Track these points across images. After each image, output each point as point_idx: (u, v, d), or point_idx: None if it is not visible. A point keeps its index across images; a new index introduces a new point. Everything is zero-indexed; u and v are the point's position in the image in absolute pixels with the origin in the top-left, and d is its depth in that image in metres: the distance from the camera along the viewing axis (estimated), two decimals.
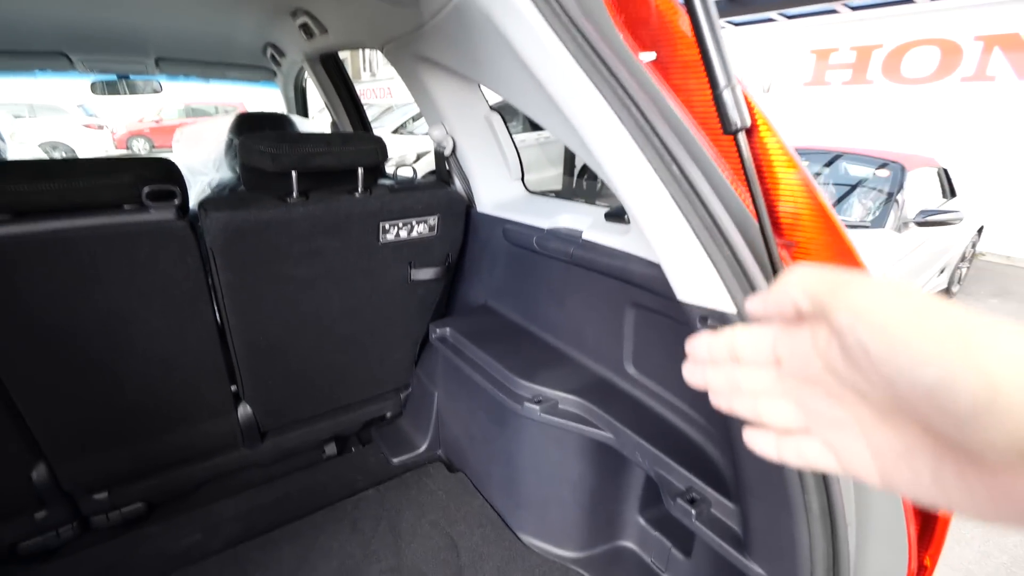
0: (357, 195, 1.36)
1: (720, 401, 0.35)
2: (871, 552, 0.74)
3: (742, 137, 0.63)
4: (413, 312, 1.66)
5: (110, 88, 2.90)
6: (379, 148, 1.38)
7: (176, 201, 1.17)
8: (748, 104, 0.64)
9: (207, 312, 1.30)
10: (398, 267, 1.52)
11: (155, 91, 3.21)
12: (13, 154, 2.43)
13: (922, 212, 3.70)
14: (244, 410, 1.54)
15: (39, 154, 10.47)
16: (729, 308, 0.67)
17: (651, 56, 0.73)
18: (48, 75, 2.86)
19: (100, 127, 11.96)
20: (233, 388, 1.50)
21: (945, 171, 4.65)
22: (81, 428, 1.30)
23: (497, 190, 1.61)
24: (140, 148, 12.83)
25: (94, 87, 2.83)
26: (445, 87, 1.50)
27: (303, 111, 3.19)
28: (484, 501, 1.51)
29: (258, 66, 2.88)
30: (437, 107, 1.53)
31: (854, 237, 0.67)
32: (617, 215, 1.17)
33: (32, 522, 1.35)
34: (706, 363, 0.35)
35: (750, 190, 0.64)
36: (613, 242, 1.11)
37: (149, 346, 1.27)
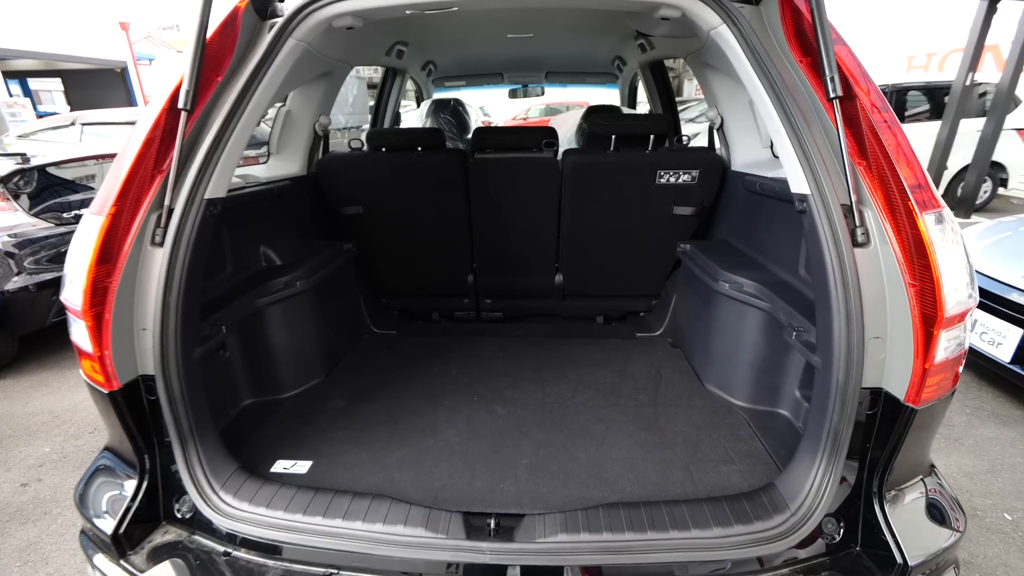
0: (647, 152, 2.23)
1: None
2: (895, 355, 1.17)
3: (836, 103, 1.20)
4: (671, 238, 2.44)
5: (521, 94, 4.58)
6: (666, 122, 2.21)
7: (555, 149, 2.30)
8: (844, 81, 1.20)
9: (554, 210, 2.42)
10: (666, 203, 2.32)
11: (539, 95, 4.84)
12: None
13: None
14: (559, 277, 2.66)
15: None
16: (807, 191, 1.22)
17: (807, 59, 1.33)
18: (487, 88, 4.76)
19: (490, 122, 16.44)
20: (556, 264, 2.63)
21: None
22: (491, 258, 2.64)
23: (749, 154, 2.21)
24: None
25: (513, 93, 4.55)
26: (721, 81, 2.19)
27: (632, 104, 4.24)
28: (688, 364, 2.21)
29: (607, 73, 4.04)
30: (714, 95, 2.24)
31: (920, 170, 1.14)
32: None
33: (461, 303, 2.81)
34: None
35: (836, 128, 1.20)
36: None
37: (524, 221, 2.47)
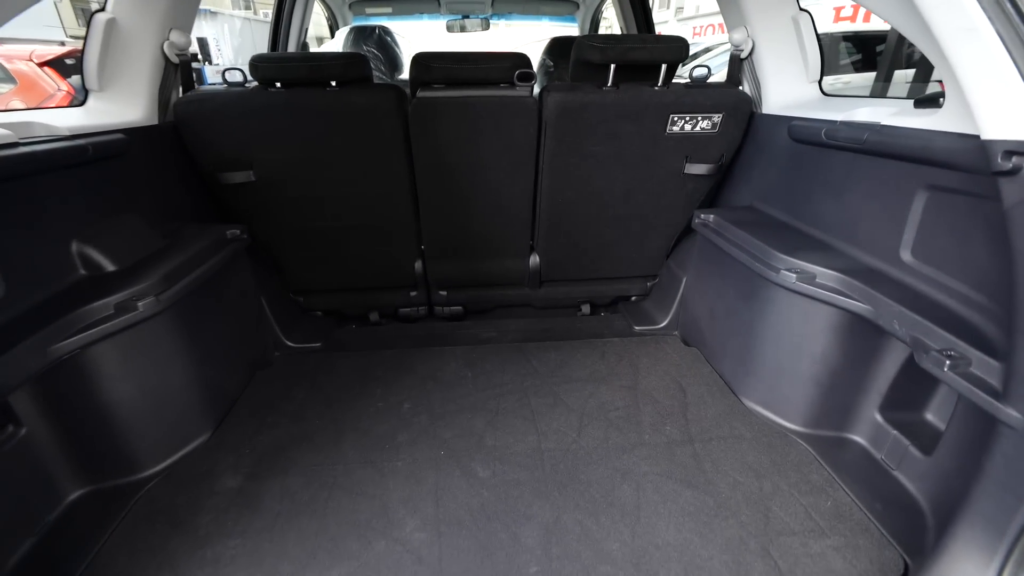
0: (656, 88, 1.63)
1: None
2: None
3: None
4: (678, 205, 1.90)
5: (458, 27, 3.77)
6: (683, 47, 1.61)
7: (531, 84, 1.63)
8: None
9: (531, 171, 1.78)
10: (676, 159, 1.76)
11: (483, 29, 4.06)
12: None
13: None
14: (534, 259, 2.06)
15: None
16: None
17: None
18: (424, 18, 3.92)
19: None
20: (531, 242, 2.02)
21: None
22: (445, 241, 1.98)
23: (789, 91, 1.67)
24: None
25: (450, 27, 3.73)
26: None
27: None
28: (713, 370, 1.73)
29: (567, 1, 3.34)
30: (742, 9, 1.65)
31: None
32: (929, 100, 1.15)
33: (408, 297, 2.14)
34: None
35: None
36: (920, 124, 1.12)
37: (489, 186, 1.81)
